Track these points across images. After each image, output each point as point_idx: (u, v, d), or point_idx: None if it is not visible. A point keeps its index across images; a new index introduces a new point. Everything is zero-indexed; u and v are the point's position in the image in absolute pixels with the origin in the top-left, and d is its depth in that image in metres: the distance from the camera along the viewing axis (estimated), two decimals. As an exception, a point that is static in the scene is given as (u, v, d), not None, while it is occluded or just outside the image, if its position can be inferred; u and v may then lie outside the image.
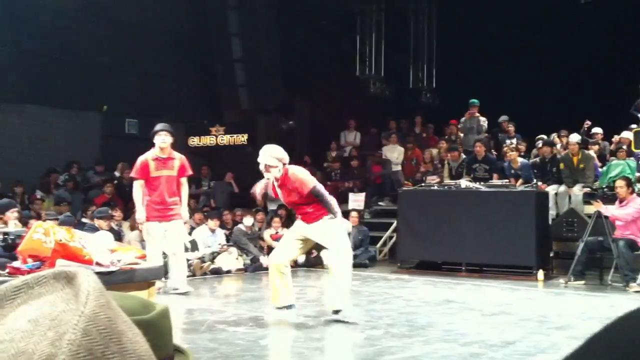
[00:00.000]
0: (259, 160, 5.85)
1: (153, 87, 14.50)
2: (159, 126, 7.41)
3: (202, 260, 9.53)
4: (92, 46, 13.46)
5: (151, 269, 4.43)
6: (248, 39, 15.34)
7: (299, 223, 6.06)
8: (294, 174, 5.83)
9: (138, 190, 7.37)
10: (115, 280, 3.97)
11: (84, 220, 9.72)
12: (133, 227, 9.64)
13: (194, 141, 15.54)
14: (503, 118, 12.70)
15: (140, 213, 7.41)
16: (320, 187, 5.94)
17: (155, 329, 0.61)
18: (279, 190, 5.93)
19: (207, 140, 15.49)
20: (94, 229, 8.47)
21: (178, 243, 7.55)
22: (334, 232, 5.87)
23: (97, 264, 3.94)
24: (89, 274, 0.54)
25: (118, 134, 14.30)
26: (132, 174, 7.53)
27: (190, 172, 7.67)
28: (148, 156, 7.35)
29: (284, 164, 5.83)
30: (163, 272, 6.05)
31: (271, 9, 15.51)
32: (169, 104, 14.53)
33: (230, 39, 15.35)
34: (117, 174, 12.95)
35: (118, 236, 9.31)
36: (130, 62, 14.05)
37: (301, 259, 10.62)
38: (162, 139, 7.29)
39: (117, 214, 10.10)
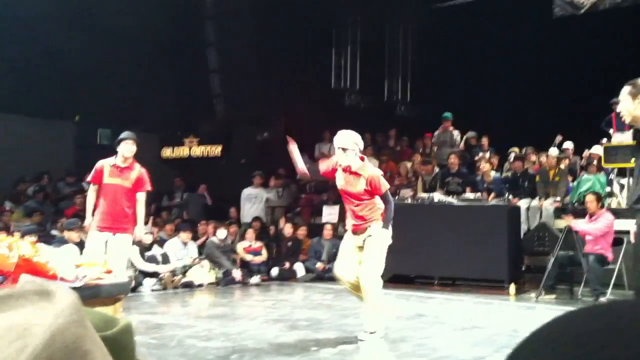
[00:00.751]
0: (335, 141, 5.87)
1: (127, 97, 14.37)
2: (126, 134, 7.14)
3: (173, 273, 9.43)
4: (65, 54, 13.31)
5: (118, 285, 4.36)
6: (224, 50, 15.31)
7: (348, 235, 5.94)
8: (374, 170, 5.88)
9: (90, 195, 7.11)
10: (80, 295, 3.87)
11: (53, 232, 9.57)
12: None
13: (167, 152, 15.43)
14: (470, 134, 12.81)
15: (87, 219, 7.12)
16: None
17: (118, 345, 0.60)
18: (342, 175, 5.83)
19: (181, 152, 15.38)
20: (63, 242, 8.35)
21: (117, 260, 6.88)
22: (378, 249, 5.72)
23: (62, 279, 3.86)
24: (71, 291, 0.54)
25: (90, 144, 14.14)
26: (89, 178, 7.23)
27: (149, 188, 7.23)
28: (106, 162, 7.07)
29: (361, 151, 5.86)
30: (130, 287, 5.91)
31: (248, 20, 15.50)
32: (142, 114, 14.40)
33: (206, 49, 15.31)
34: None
35: (88, 248, 9.17)
36: (104, 71, 13.92)
37: (274, 271, 10.58)
38: (129, 148, 7.01)
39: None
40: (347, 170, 5.83)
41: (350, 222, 5.91)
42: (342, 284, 5.97)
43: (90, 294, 4.11)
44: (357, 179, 5.77)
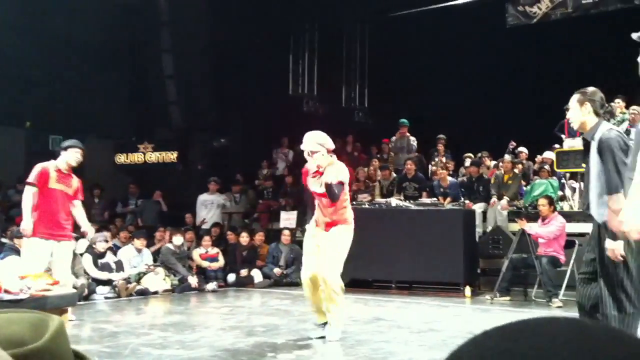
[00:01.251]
0: (302, 147, 5.90)
1: (80, 103, 14.08)
2: (75, 142, 7.00)
3: (127, 281, 9.25)
4: (16, 60, 12.98)
5: (64, 296, 4.24)
6: (180, 56, 15.16)
7: (312, 230, 5.96)
8: (338, 169, 5.84)
9: (30, 197, 6.69)
10: (26, 307, 3.78)
11: (3, 240, 9.30)
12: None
13: (121, 158, 15.17)
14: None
15: (27, 223, 6.61)
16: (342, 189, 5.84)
17: (50, 353, 0.55)
18: (312, 179, 5.88)
19: (135, 158, 15.14)
20: (14, 250, 8.11)
21: (65, 268, 6.82)
22: (340, 246, 5.81)
23: (6, 291, 3.74)
24: None
25: (42, 150, 13.79)
26: (30, 179, 6.79)
27: (82, 197, 7.14)
28: (50, 165, 6.83)
29: (328, 151, 5.83)
30: (76, 298, 5.72)
31: (204, 26, 15.39)
32: (96, 121, 14.15)
33: (161, 55, 15.13)
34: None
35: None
36: (56, 77, 13.62)
37: (231, 278, 10.48)
38: (78, 158, 6.87)
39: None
40: (317, 173, 5.87)
41: (321, 219, 5.94)
42: (304, 287, 6.00)
43: (36, 306, 4.00)
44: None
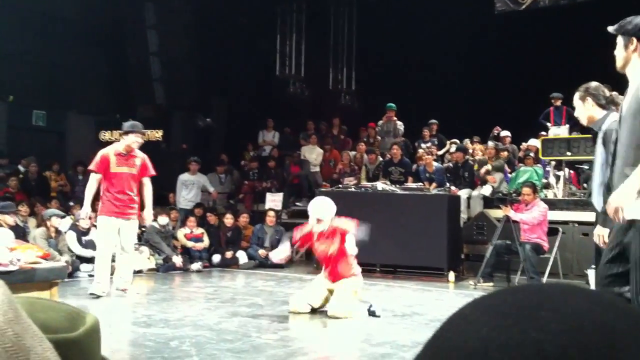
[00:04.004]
0: (312, 210, 6.27)
1: (63, 78, 13.90)
2: (135, 125, 7.33)
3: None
4: (-1, 34, 12.77)
5: (53, 269, 4.21)
6: (164, 33, 14.98)
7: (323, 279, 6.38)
8: (343, 224, 6.29)
9: (93, 183, 7.18)
10: (14, 279, 3.75)
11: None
12: (39, 224, 9.20)
13: (105, 135, 15.00)
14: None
15: (87, 207, 7.32)
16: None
17: (81, 348, 0.55)
18: (318, 241, 6.28)
19: (119, 135, 14.96)
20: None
21: (130, 242, 7.38)
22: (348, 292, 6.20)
23: (-5, 262, 3.70)
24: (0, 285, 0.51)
25: (24, 125, 13.63)
26: (92, 167, 7.26)
27: (153, 172, 7.49)
28: (110, 150, 7.25)
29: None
30: (66, 271, 5.76)
31: (189, 3, 15.20)
32: (79, 97, 13.97)
33: (145, 32, 14.94)
34: (21, 167, 12.30)
35: (23, 233, 8.86)
36: (39, 51, 13.42)
37: (216, 258, 10.47)
38: (137, 140, 7.24)
39: (23, 209, 9.61)
40: (321, 236, 6.25)
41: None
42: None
43: (25, 278, 3.97)
44: (331, 239, 6.20)
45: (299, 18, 15.76)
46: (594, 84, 4.28)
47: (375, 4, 14.96)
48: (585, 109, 4.13)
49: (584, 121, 4.34)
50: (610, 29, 3.43)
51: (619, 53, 3.37)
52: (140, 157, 7.36)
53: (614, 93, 5.28)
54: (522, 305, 0.48)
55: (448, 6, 13.34)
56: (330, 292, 6.30)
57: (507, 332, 0.46)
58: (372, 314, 6.22)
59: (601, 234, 3.82)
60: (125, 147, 7.24)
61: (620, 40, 3.38)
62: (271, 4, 15.40)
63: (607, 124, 4.03)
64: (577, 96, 4.20)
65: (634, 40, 3.30)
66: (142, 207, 7.50)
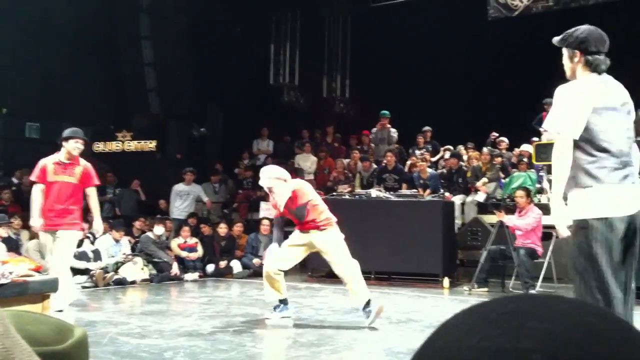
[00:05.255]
0: (260, 183, 6.28)
1: (56, 89, 13.89)
2: (74, 131, 7.01)
3: (105, 270, 9.17)
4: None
5: (46, 282, 4.19)
6: (159, 43, 15.00)
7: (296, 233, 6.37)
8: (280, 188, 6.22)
9: (38, 194, 6.89)
10: (7, 293, 3.73)
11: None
12: (32, 237, 9.18)
13: (99, 146, 14.99)
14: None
15: (35, 220, 6.89)
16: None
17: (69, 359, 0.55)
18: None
19: (113, 146, 14.96)
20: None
21: (60, 257, 6.84)
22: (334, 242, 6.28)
23: (-14, 275, 3.68)
24: None
25: (18, 137, 13.61)
26: (33, 177, 7.03)
27: (97, 182, 7.19)
28: (49, 160, 6.96)
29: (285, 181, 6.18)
30: (58, 285, 5.70)
31: (183, 13, 15.24)
32: (73, 107, 13.96)
33: (140, 42, 14.96)
34: (15, 180, 12.29)
35: (16, 245, 8.85)
36: (32, 62, 13.42)
37: (210, 268, 10.44)
38: (79, 147, 6.94)
39: (16, 222, 9.59)
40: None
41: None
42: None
43: (18, 292, 3.95)
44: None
45: (293, 26, 15.80)
46: None
47: (368, 12, 15.01)
48: None
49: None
50: (555, 40, 3.54)
51: (566, 64, 3.51)
52: (82, 165, 7.02)
53: None
54: (512, 315, 0.49)
55: (441, 13, 13.40)
56: (304, 246, 6.36)
57: (497, 341, 0.47)
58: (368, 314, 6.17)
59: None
60: (65, 155, 6.92)
61: (565, 51, 3.50)
62: (265, 13, 15.44)
63: None
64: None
65: (577, 52, 3.42)
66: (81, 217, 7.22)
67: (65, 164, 6.94)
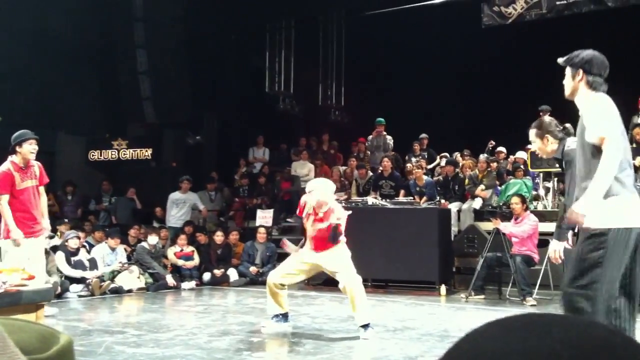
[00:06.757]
0: (308, 190, 6.25)
1: (52, 98, 13.86)
2: (23, 133, 6.85)
3: (101, 279, 9.14)
4: (-14, 54, 12.75)
5: (39, 291, 4.17)
6: (154, 51, 15.01)
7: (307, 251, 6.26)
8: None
9: (6, 206, 6.66)
10: (0, 303, 3.71)
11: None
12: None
13: (95, 155, 14.98)
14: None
15: (16, 232, 6.65)
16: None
17: None
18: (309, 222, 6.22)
19: (109, 155, 14.94)
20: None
21: (42, 262, 6.86)
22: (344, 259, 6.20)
23: (-20, 285, 3.66)
24: None
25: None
26: (5, 192, 6.68)
27: (47, 180, 7.11)
28: (9, 167, 6.73)
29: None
30: (53, 293, 5.66)
31: (178, 21, 15.26)
32: (68, 116, 13.94)
33: (135, 51, 14.96)
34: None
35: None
36: (27, 71, 13.39)
37: (207, 276, 10.42)
38: (34, 148, 6.80)
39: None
40: (315, 216, 6.21)
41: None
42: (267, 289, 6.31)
43: (11, 301, 3.93)
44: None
45: (288, 35, 15.83)
46: (547, 119, 4.50)
47: (363, 21, 15.05)
48: (544, 145, 4.30)
49: (544, 155, 4.60)
50: (560, 60, 3.73)
51: (567, 82, 3.68)
52: (36, 164, 6.93)
53: (568, 125, 5.64)
54: (538, 323, 0.53)
55: (436, 21, 13.45)
56: (312, 266, 6.25)
57: (525, 341, 0.50)
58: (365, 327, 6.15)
59: (557, 249, 3.98)
60: (22, 160, 6.77)
61: (568, 71, 3.68)
62: (260, 21, 15.47)
63: (565, 147, 4.22)
64: (533, 133, 4.34)
65: (581, 71, 3.60)
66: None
67: (25, 168, 6.82)
